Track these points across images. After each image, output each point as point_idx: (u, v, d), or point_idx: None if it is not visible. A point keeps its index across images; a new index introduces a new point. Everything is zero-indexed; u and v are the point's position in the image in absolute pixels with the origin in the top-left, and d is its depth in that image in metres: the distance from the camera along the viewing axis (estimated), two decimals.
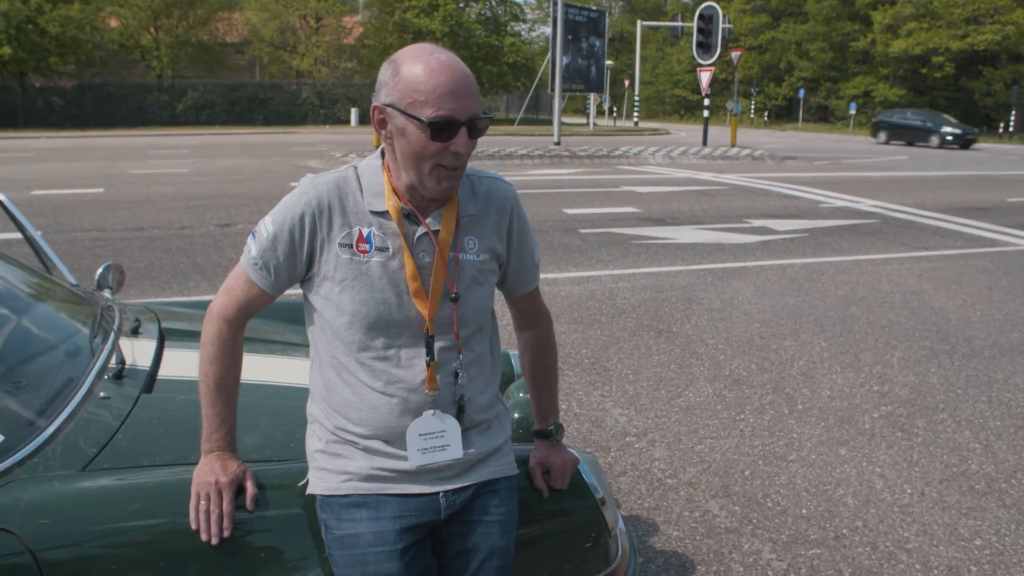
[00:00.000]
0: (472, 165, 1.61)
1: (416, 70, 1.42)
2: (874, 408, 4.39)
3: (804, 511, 3.29)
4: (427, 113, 1.41)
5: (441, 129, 1.41)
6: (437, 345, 1.54)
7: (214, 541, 1.48)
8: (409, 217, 1.52)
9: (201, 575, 1.49)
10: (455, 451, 1.55)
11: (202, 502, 1.50)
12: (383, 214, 1.52)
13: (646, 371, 4.89)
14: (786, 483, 3.53)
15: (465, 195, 1.59)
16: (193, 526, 1.49)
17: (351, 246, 1.50)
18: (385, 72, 1.47)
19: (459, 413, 1.56)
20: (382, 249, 1.51)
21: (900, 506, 3.35)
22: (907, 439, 4.01)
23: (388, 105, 1.45)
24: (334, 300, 1.51)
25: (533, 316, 1.78)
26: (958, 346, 5.49)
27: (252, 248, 1.54)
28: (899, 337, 5.67)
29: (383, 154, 1.56)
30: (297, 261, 1.53)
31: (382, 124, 1.48)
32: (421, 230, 1.52)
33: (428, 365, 1.53)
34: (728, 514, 3.26)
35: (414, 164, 1.46)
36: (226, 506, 1.50)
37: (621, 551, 1.92)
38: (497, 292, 1.69)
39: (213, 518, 1.49)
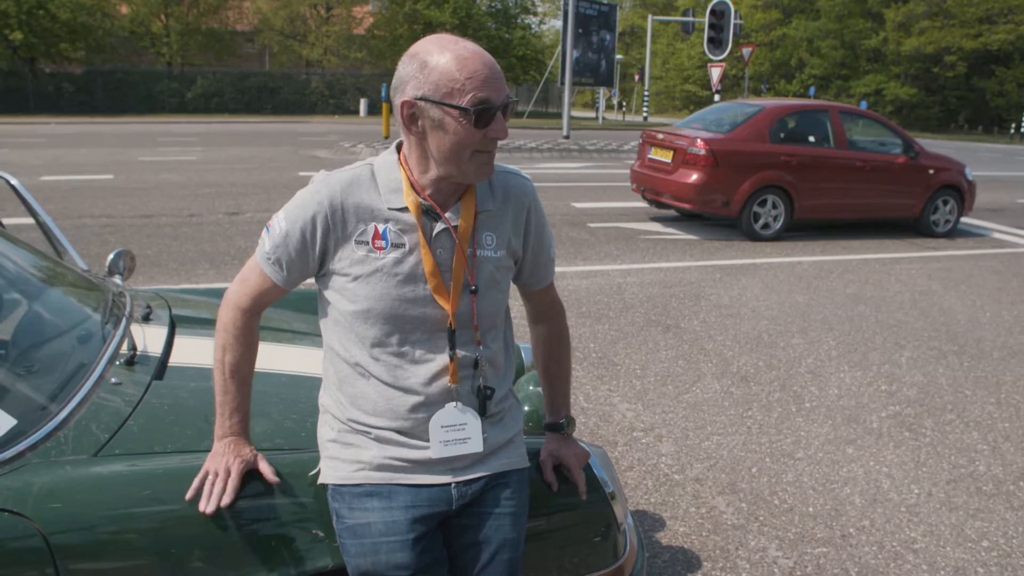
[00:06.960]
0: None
1: (445, 60, 1.40)
2: (882, 407, 4.38)
3: (811, 509, 3.29)
4: (466, 101, 1.40)
5: (483, 115, 1.41)
6: (458, 339, 1.54)
7: (210, 509, 1.48)
8: (428, 213, 1.52)
9: (211, 562, 1.49)
10: (475, 445, 1.56)
11: (209, 476, 1.52)
12: (401, 210, 1.51)
13: (654, 366, 4.88)
14: (793, 481, 3.52)
15: (482, 189, 1.58)
16: (189, 495, 1.49)
17: (367, 243, 1.50)
18: (408, 67, 1.44)
19: (482, 405, 1.56)
20: (398, 245, 1.50)
21: (907, 506, 3.34)
22: (915, 439, 4.00)
23: (420, 99, 1.42)
24: (349, 296, 1.51)
25: (548, 310, 1.78)
26: (967, 347, 5.47)
27: (266, 243, 1.55)
28: (907, 337, 5.65)
29: (398, 148, 1.55)
30: (309, 258, 1.53)
31: (412, 120, 1.45)
32: (440, 225, 1.52)
33: (451, 359, 1.53)
34: (735, 511, 3.25)
35: (454, 155, 1.45)
36: (232, 480, 1.51)
37: (629, 546, 1.92)
38: (512, 286, 1.69)
39: (216, 489, 1.50)
